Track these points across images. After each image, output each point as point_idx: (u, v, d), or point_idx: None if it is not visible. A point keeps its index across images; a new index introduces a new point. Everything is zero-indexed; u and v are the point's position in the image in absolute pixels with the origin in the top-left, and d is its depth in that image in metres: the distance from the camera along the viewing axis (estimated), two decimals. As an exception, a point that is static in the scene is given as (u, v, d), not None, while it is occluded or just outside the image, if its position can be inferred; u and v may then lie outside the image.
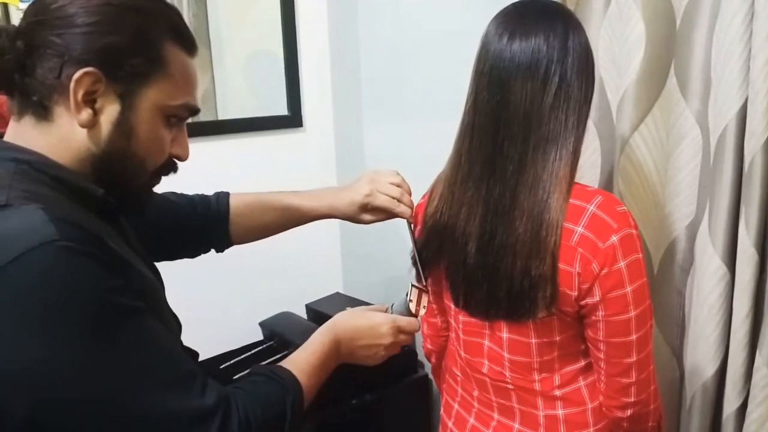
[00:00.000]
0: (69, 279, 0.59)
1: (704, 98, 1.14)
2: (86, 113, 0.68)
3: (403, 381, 1.76)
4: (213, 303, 1.79)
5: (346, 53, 1.93)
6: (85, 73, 0.67)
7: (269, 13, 1.87)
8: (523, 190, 0.86)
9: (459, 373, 1.06)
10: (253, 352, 1.74)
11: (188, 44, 0.75)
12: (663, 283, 1.27)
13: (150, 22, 0.72)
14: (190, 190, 1.69)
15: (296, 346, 1.66)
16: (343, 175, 2.03)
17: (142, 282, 0.70)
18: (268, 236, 1.11)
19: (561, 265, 0.85)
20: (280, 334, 1.75)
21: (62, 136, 0.69)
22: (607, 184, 1.30)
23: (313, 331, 1.70)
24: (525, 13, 0.88)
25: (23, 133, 0.70)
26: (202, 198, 1.09)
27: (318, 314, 1.82)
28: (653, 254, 1.26)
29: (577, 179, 1.36)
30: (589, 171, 1.34)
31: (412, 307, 0.98)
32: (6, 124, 1.88)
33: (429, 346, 1.16)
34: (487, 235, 0.89)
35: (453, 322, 1.05)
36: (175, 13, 0.76)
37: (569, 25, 0.86)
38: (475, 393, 1.03)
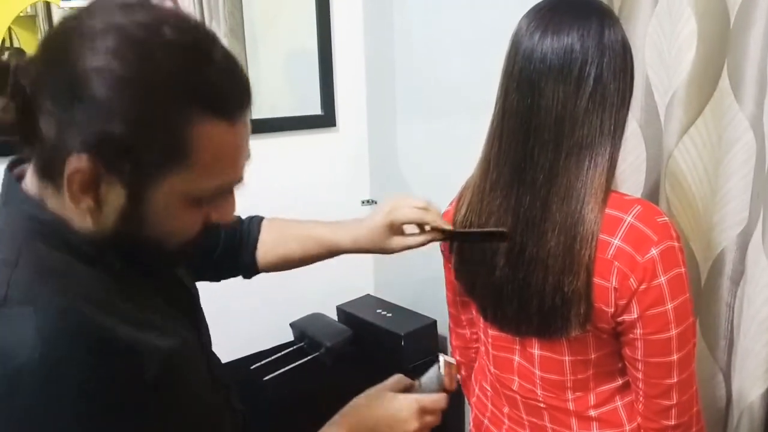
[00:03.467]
0: (42, 394, 0.53)
1: (759, 101, 1.06)
2: (85, 203, 0.58)
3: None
4: (244, 303, 1.78)
5: (381, 53, 1.90)
6: (80, 167, 0.56)
7: (304, 12, 1.85)
8: (555, 200, 0.81)
9: (489, 388, 1.02)
10: (283, 353, 1.73)
11: (232, 111, 0.60)
12: (711, 295, 1.20)
13: (176, 101, 0.57)
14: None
15: (326, 348, 1.67)
16: (375, 175, 2.01)
17: (158, 359, 0.61)
18: (294, 267, 1.03)
19: (596, 280, 0.79)
20: (311, 336, 1.74)
21: (70, 206, 0.60)
22: (653, 190, 1.24)
23: (343, 333, 1.72)
24: (557, 9, 0.82)
25: (38, 185, 0.63)
26: (234, 221, 1.02)
27: (348, 316, 1.80)
28: (701, 265, 1.19)
29: (618, 185, 1.31)
30: (632, 176, 1.27)
31: (447, 381, 0.85)
32: None
33: (458, 358, 1.12)
34: (517, 248, 0.84)
35: (482, 335, 1.00)
36: (217, 72, 0.59)
37: (605, 22, 0.80)
38: (506, 410, 0.99)
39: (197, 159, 0.59)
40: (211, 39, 0.60)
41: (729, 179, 1.13)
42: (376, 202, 2.01)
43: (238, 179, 0.66)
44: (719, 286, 1.18)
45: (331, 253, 1.00)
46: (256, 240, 1.01)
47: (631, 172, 1.27)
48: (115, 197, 0.59)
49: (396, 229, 0.93)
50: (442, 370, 0.85)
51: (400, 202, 0.93)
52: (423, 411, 0.82)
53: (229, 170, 0.63)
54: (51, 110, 0.56)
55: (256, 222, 1.03)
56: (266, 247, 1.01)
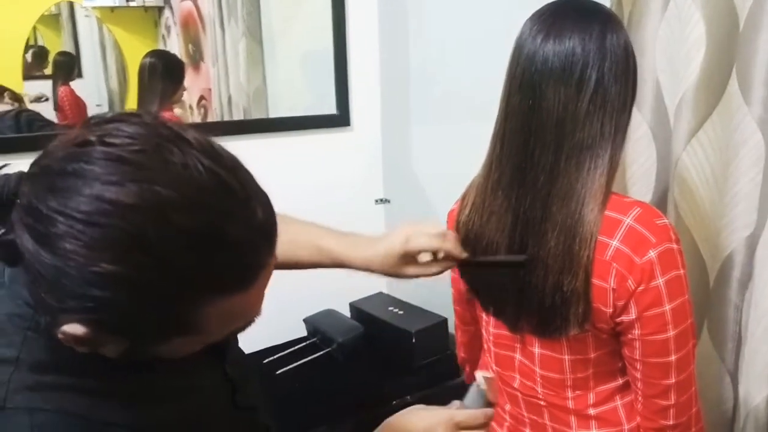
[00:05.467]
0: None
1: (767, 103, 1.06)
2: (83, 348, 0.53)
3: (446, 384, 1.73)
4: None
5: (395, 54, 1.92)
6: (74, 334, 0.51)
7: (320, 12, 1.88)
8: (556, 201, 0.82)
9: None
10: (296, 348, 1.76)
11: (249, 282, 0.53)
12: (719, 296, 1.20)
13: (184, 294, 0.50)
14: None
15: (337, 344, 1.70)
16: (389, 174, 2.02)
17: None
18: (299, 269, 0.99)
19: (595, 281, 0.81)
20: (323, 332, 1.76)
21: None
22: (663, 192, 1.24)
23: (355, 329, 1.74)
24: (560, 13, 0.83)
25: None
26: None
27: (361, 313, 1.82)
28: (710, 266, 1.19)
29: (628, 187, 1.32)
30: (643, 178, 1.28)
31: (490, 395, 0.81)
32: (66, 118, 1.93)
33: (462, 355, 1.14)
34: (516, 247, 0.86)
35: (484, 332, 1.02)
36: (233, 252, 0.51)
37: (607, 26, 0.82)
38: (507, 407, 1.00)
39: (205, 329, 0.54)
40: (226, 210, 0.51)
41: (737, 182, 1.13)
42: (389, 201, 2.03)
43: (244, 329, 0.60)
44: (727, 288, 1.18)
45: (339, 267, 0.97)
46: None
47: (641, 175, 1.28)
48: (115, 346, 0.53)
49: (411, 257, 0.90)
50: (482, 385, 0.80)
51: (417, 230, 0.90)
52: (458, 426, 0.77)
53: (242, 322, 0.59)
54: (32, 259, 0.49)
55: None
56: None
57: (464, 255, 0.89)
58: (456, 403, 0.82)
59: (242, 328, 0.60)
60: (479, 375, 0.81)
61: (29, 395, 0.55)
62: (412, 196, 1.97)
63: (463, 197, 0.98)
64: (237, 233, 0.51)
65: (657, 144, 1.24)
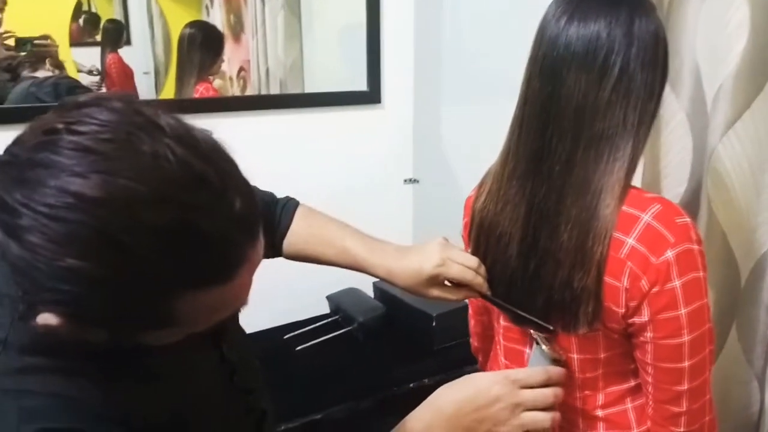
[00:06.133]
0: None
1: (813, 96, 0.99)
2: (62, 337, 0.52)
3: (464, 370, 1.72)
4: (283, 274, 1.83)
5: (430, 32, 1.87)
6: (50, 324, 0.50)
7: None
8: (570, 193, 0.79)
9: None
10: (317, 324, 1.77)
11: (228, 274, 0.51)
12: (750, 297, 1.14)
13: (157, 291, 0.49)
14: (266, 162, 1.73)
15: (359, 323, 1.69)
16: (419, 154, 1.99)
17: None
18: (317, 264, 0.98)
19: (607, 279, 0.77)
20: (345, 310, 1.77)
21: None
22: (696, 185, 1.18)
23: (376, 309, 1.74)
24: None
25: None
26: (270, 198, 1.00)
27: (384, 293, 1.82)
28: (742, 265, 1.14)
29: (661, 178, 1.26)
30: (677, 169, 1.22)
31: (551, 351, 0.77)
32: (113, 85, 1.96)
33: (476, 344, 1.12)
34: (530, 239, 0.83)
35: (495, 324, 0.99)
36: (209, 245, 0.49)
37: (636, 10, 0.77)
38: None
39: (185, 321, 0.52)
40: (199, 203, 0.48)
41: (777, 178, 1.07)
42: (418, 181, 2.00)
43: (239, 310, 0.59)
44: (760, 288, 1.12)
45: (359, 271, 0.94)
46: (287, 228, 0.97)
47: (675, 165, 1.22)
48: (94, 335, 0.52)
49: (440, 280, 0.87)
50: (543, 345, 0.75)
51: (452, 256, 0.87)
52: (517, 384, 0.72)
53: (226, 313, 0.56)
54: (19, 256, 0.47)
55: (290, 208, 0.99)
56: (296, 239, 0.97)
57: (489, 292, 0.89)
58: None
59: (228, 318, 0.57)
60: (536, 335, 0.78)
61: (18, 378, 0.55)
62: (442, 177, 1.94)
63: (481, 184, 0.96)
64: (211, 227, 0.49)
65: (693, 134, 1.18)
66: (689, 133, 1.19)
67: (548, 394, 0.73)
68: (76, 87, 1.73)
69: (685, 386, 0.78)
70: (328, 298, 1.85)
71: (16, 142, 0.49)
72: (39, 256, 0.46)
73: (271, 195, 1.00)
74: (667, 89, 1.19)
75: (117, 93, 0.53)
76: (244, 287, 0.55)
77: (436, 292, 0.88)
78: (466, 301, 1.68)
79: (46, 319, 0.50)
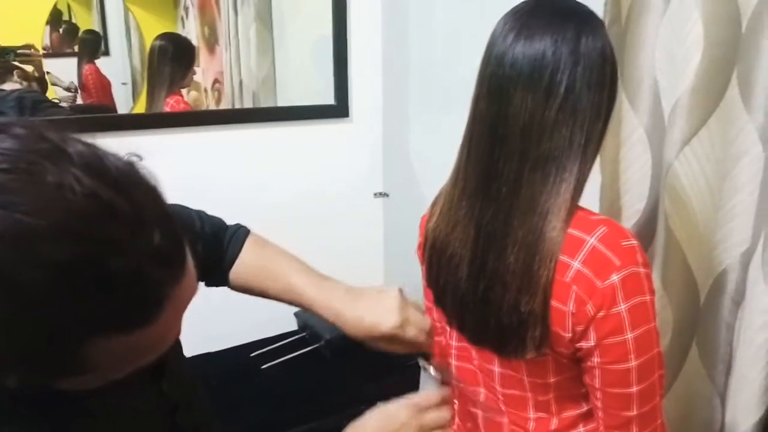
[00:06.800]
0: None
1: (768, 112, 0.99)
2: None
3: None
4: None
5: (397, 44, 1.87)
6: None
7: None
8: (517, 215, 0.77)
9: (456, 401, 0.99)
10: (284, 342, 1.74)
11: (146, 318, 0.47)
12: (710, 315, 1.13)
13: (60, 338, 0.44)
14: (235, 177, 1.71)
15: (326, 341, 1.67)
16: (389, 167, 1.98)
17: None
18: (265, 298, 0.94)
19: (554, 303, 0.76)
20: (312, 326, 1.75)
21: None
22: (656, 202, 1.17)
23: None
24: (535, 11, 0.77)
25: None
26: (218, 226, 0.95)
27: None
28: (700, 283, 1.13)
29: (621, 194, 1.25)
30: (636, 186, 1.21)
31: (440, 376, 0.82)
32: (90, 96, 1.93)
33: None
34: (478, 261, 0.81)
35: (450, 344, 0.98)
36: (119, 286, 0.45)
37: (584, 28, 0.75)
38: (469, 425, 0.96)
39: (101, 367, 0.48)
40: (108, 238, 0.44)
41: (734, 195, 1.06)
42: (388, 195, 1.99)
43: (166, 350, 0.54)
44: (720, 306, 1.12)
45: (306, 309, 0.91)
46: (234, 257, 0.92)
47: (635, 182, 1.21)
48: (2, 378, 0.47)
49: (392, 339, 0.86)
50: (429, 370, 0.82)
51: (411, 318, 0.86)
52: (418, 408, 0.78)
53: (152, 356, 0.52)
54: None
55: (240, 237, 0.94)
56: (242, 271, 0.93)
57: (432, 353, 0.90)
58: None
59: (155, 360, 0.53)
60: (421, 361, 0.83)
61: None
62: (412, 191, 1.92)
63: (434, 203, 0.94)
64: (122, 264, 0.44)
65: (653, 150, 1.17)
66: (648, 150, 1.18)
67: (446, 415, 0.80)
68: (42, 101, 1.70)
69: (634, 411, 0.76)
70: (296, 314, 1.82)
71: None
72: None
73: (220, 222, 0.96)
74: (626, 105, 1.19)
75: (21, 119, 0.46)
76: (170, 326, 0.51)
77: (383, 345, 0.87)
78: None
79: None
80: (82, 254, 0.43)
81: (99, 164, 0.46)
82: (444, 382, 0.82)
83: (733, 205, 1.06)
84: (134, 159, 0.50)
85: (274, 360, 1.66)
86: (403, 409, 0.77)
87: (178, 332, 0.54)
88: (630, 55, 1.15)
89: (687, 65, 1.05)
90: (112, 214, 0.44)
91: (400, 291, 0.88)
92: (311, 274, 0.91)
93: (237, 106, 1.90)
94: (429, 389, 0.81)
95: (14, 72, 1.66)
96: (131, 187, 0.47)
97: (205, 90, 1.93)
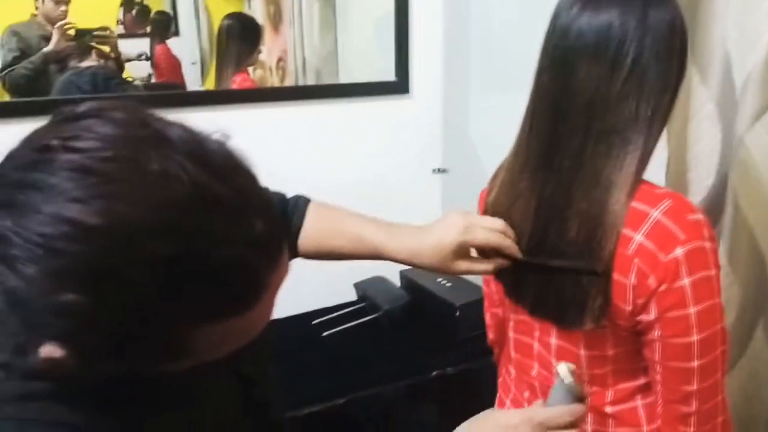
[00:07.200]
0: None
1: None
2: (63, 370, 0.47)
3: (487, 360, 1.72)
4: (311, 261, 1.86)
5: (459, 19, 1.85)
6: (54, 358, 0.46)
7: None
8: (580, 189, 0.77)
9: (513, 370, 1.01)
10: (343, 311, 1.78)
11: (246, 305, 0.47)
12: (780, 295, 1.10)
13: (167, 326, 0.45)
14: (296, 153, 1.75)
15: (384, 311, 1.71)
16: (448, 143, 1.98)
17: None
18: (338, 260, 0.92)
19: (616, 276, 0.76)
20: (371, 298, 1.78)
21: None
22: (724, 177, 1.14)
23: (401, 298, 1.75)
24: None
25: None
26: (280, 201, 0.94)
27: (410, 282, 1.82)
28: (769, 261, 1.10)
29: (689, 170, 1.22)
30: (705, 161, 1.18)
31: (578, 388, 0.71)
32: (162, 75, 2.01)
33: (491, 337, 1.12)
34: (539, 234, 0.82)
35: (509, 316, 0.99)
36: (222, 277, 0.44)
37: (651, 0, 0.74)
38: (526, 395, 0.98)
39: (198, 353, 0.48)
40: (213, 229, 0.43)
41: (808, 171, 1.02)
42: (447, 171, 1.99)
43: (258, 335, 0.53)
44: (789, 285, 1.09)
45: (380, 258, 0.89)
46: (299, 227, 0.91)
47: (703, 157, 1.18)
48: (103, 366, 0.46)
49: (465, 250, 0.82)
50: (566, 379, 0.70)
51: (476, 221, 0.82)
52: (541, 426, 0.69)
53: (244, 341, 0.51)
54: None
55: (301, 206, 0.93)
56: (310, 236, 0.91)
57: (520, 255, 0.83)
58: (539, 402, 0.76)
59: (247, 345, 0.52)
60: (562, 367, 0.71)
61: (20, 405, 0.51)
62: (471, 166, 1.92)
63: (494, 177, 0.95)
64: (226, 256, 0.43)
65: (723, 124, 1.13)
66: (718, 124, 1.15)
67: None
68: (113, 78, 1.78)
69: (694, 386, 0.76)
70: (356, 285, 1.86)
71: (7, 158, 0.44)
72: (34, 289, 0.41)
73: (281, 195, 0.96)
74: (696, 78, 1.16)
75: (119, 102, 0.45)
76: (265, 313, 0.51)
77: (463, 265, 0.82)
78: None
79: (50, 351, 0.46)
80: (188, 249, 0.42)
81: (201, 151, 0.45)
82: (579, 398, 0.71)
83: (806, 181, 1.03)
84: (225, 138, 0.48)
85: (333, 328, 1.70)
86: (526, 424, 0.68)
87: (270, 316, 0.53)
88: (701, 28, 1.12)
89: (759, 38, 1.01)
90: (217, 204, 0.44)
91: (462, 210, 0.85)
92: (378, 223, 0.90)
93: (300, 83, 1.93)
94: (559, 402, 0.71)
95: (92, 51, 1.75)
96: (233, 173, 0.46)
97: (270, 69, 1.96)
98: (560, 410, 0.70)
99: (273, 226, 0.47)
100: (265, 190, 0.50)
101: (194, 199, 0.42)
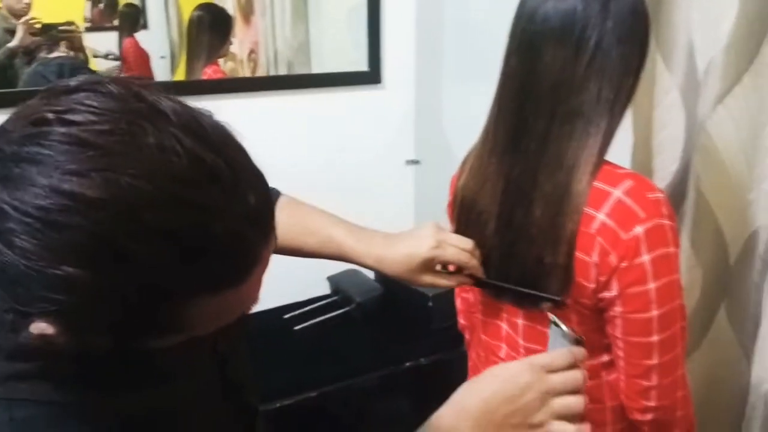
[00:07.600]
0: None
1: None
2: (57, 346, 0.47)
3: (461, 349, 1.73)
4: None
5: (432, 9, 1.85)
6: (44, 333, 0.45)
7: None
8: (545, 170, 0.79)
9: (482, 353, 1.02)
10: (316, 305, 1.78)
11: (240, 278, 0.47)
12: (740, 275, 1.13)
13: (161, 299, 0.44)
14: (268, 143, 1.75)
15: (357, 304, 1.71)
16: (421, 134, 1.98)
17: None
18: (303, 257, 0.93)
19: (578, 254, 0.77)
20: (344, 290, 1.78)
21: None
22: (688, 164, 1.17)
23: (374, 290, 1.75)
24: None
25: None
26: None
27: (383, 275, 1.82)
28: (731, 243, 1.12)
29: (654, 156, 1.25)
30: (670, 147, 1.20)
31: (571, 332, 0.69)
32: (130, 69, 1.98)
33: (462, 322, 1.13)
34: (506, 216, 0.83)
35: (475, 300, 1.00)
36: (220, 250, 0.44)
37: None
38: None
39: (191, 326, 0.48)
40: (211, 202, 0.43)
41: (768, 155, 1.05)
42: (419, 162, 2.00)
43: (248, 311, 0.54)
44: (750, 267, 1.11)
45: (345, 261, 0.91)
46: None
47: (668, 143, 1.20)
48: (95, 342, 0.46)
49: (433, 264, 0.84)
50: (562, 326, 0.69)
51: (448, 239, 0.84)
52: (545, 369, 0.64)
53: (235, 316, 0.51)
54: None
55: (272, 198, 0.94)
56: (279, 230, 0.91)
57: (483, 276, 0.86)
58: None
59: (235, 321, 0.53)
60: (552, 317, 0.71)
61: (8, 385, 0.50)
62: (443, 158, 1.92)
63: (464, 162, 0.96)
64: (223, 228, 0.43)
65: (687, 111, 1.16)
66: (682, 111, 1.17)
67: (578, 376, 0.65)
68: (81, 68, 1.75)
69: (655, 360, 0.78)
70: (329, 278, 1.86)
71: (0, 133, 0.43)
72: (30, 262, 0.40)
73: None
74: (661, 65, 1.18)
75: (112, 77, 0.45)
76: (255, 289, 0.51)
77: (428, 278, 0.85)
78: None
79: (42, 328, 0.45)
80: (187, 222, 0.42)
81: (196, 123, 0.45)
82: (577, 341, 0.69)
83: (767, 165, 1.05)
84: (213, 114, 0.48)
85: (306, 322, 1.70)
86: (527, 369, 0.64)
87: (259, 291, 0.53)
88: (665, 14, 1.14)
89: (721, 23, 1.03)
90: (214, 177, 0.44)
91: (435, 223, 0.87)
92: (348, 225, 0.90)
93: (272, 74, 1.92)
94: (558, 348, 0.69)
95: (61, 43, 1.72)
96: (227, 147, 0.46)
97: (241, 60, 1.95)
98: (561, 352, 0.67)
99: (265, 199, 0.48)
100: (255, 163, 0.50)
101: (193, 173, 0.42)
